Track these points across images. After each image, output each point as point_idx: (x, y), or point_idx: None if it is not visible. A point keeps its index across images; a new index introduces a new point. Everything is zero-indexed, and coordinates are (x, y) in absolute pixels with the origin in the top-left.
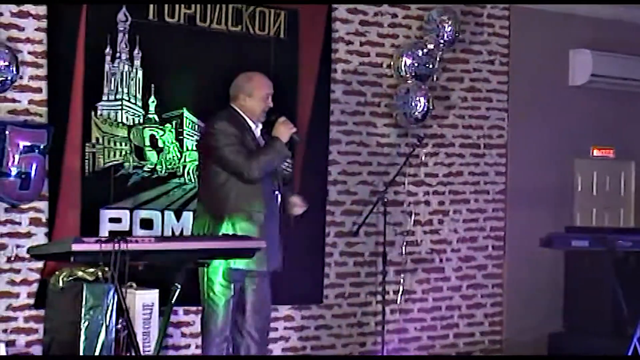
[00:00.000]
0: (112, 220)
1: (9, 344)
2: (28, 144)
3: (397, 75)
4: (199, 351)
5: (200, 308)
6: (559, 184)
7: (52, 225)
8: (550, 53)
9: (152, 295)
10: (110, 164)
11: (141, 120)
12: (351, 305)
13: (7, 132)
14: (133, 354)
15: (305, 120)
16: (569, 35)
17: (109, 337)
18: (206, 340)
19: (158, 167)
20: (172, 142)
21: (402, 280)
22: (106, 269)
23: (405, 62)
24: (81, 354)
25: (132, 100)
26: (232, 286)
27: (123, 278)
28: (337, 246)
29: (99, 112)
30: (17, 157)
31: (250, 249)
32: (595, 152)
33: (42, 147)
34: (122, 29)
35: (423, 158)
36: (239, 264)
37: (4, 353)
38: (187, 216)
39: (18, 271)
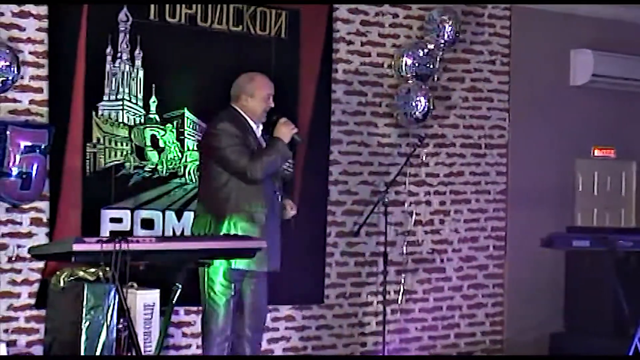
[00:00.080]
0: (113, 220)
1: (10, 344)
2: (29, 144)
3: (398, 75)
4: (200, 351)
5: (201, 308)
6: (560, 184)
7: (53, 225)
8: (551, 53)
9: (153, 295)
10: (111, 164)
11: (142, 120)
12: (352, 305)
13: (8, 132)
14: (134, 354)
15: (306, 120)
16: (570, 35)
17: (110, 337)
18: (207, 340)
19: (159, 167)
20: (173, 142)
21: (403, 280)
22: (107, 269)
23: (406, 62)
24: (82, 354)
25: (133, 100)
26: (232, 286)
27: (124, 278)
28: (338, 246)
29: (100, 112)
30: (18, 157)
31: (251, 249)
32: (596, 152)
33: (43, 147)
34: (123, 29)
35: (424, 158)
36: (240, 264)
37: (5, 353)
38: (188, 216)
39: (19, 271)
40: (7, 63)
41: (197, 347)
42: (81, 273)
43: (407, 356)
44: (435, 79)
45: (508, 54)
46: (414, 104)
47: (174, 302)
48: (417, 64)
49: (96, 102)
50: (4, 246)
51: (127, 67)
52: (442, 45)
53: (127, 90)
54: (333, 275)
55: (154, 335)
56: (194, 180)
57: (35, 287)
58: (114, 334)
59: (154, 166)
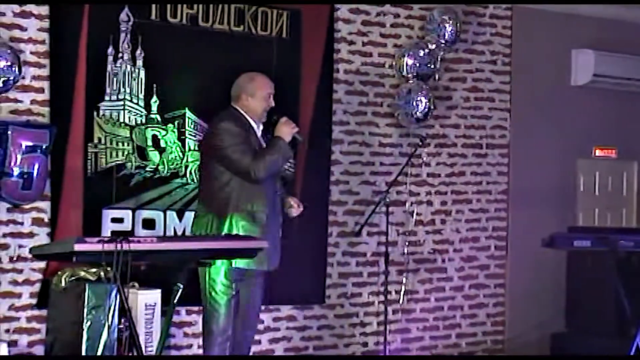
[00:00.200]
0: (114, 220)
1: (12, 344)
2: (30, 144)
3: (399, 75)
4: (201, 351)
5: (202, 308)
6: (562, 184)
7: (54, 225)
8: (552, 53)
9: (154, 295)
10: (113, 164)
11: (143, 120)
12: (353, 305)
13: (9, 132)
14: (135, 354)
15: (307, 120)
16: (572, 35)
17: (111, 337)
18: (208, 340)
19: (160, 167)
20: (174, 142)
21: (404, 280)
22: (108, 269)
23: (407, 62)
24: (83, 354)
25: (135, 101)
26: (233, 285)
27: (125, 278)
28: (339, 246)
29: (101, 112)
30: (19, 157)
31: (252, 249)
32: (598, 152)
33: (44, 147)
34: (124, 29)
35: (425, 158)
36: (241, 263)
37: (6, 353)
38: (189, 216)
39: (20, 271)
40: (9, 63)
41: (199, 347)
42: (82, 273)
43: (408, 356)
44: (437, 79)
45: (509, 54)
46: (414, 104)
47: (175, 302)
48: (418, 64)
49: (97, 102)
50: (6, 246)
51: (129, 67)
52: (442, 45)
53: (128, 90)
54: (334, 275)
55: (155, 335)
56: (195, 180)
57: (36, 287)
58: (115, 334)
59: (155, 166)
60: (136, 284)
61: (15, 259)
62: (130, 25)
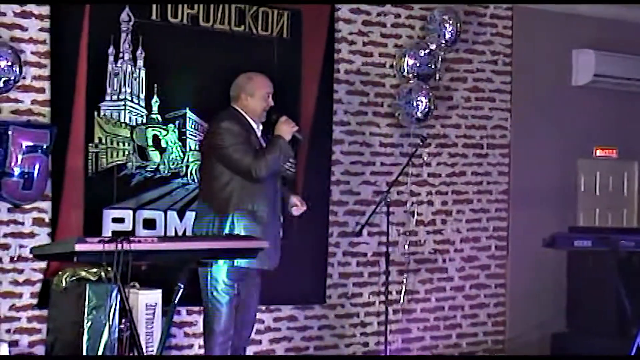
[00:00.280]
0: (115, 220)
1: (12, 344)
2: (31, 144)
3: (399, 75)
4: (202, 351)
5: (202, 308)
6: (562, 184)
7: (55, 225)
8: (553, 53)
9: (155, 295)
10: (113, 164)
11: (144, 120)
12: (354, 305)
13: (10, 132)
14: (136, 354)
15: (308, 120)
16: (572, 35)
17: (112, 337)
18: (210, 339)
19: (161, 167)
20: (175, 142)
21: (405, 281)
22: (109, 269)
23: (407, 62)
24: (84, 354)
25: (135, 101)
26: (235, 285)
27: (126, 278)
28: (340, 246)
29: (101, 112)
30: (20, 157)
31: (253, 249)
32: (598, 152)
33: (44, 147)
34: (125, 29)
35: (426, 158)
36: (243, 261)
37: (7, 353)
38: (190, 216)
39: (21, 271)
40: (9, 63)
41: (199, 347)
42: (83, 273)
43: (409, 356)
44: (437, 79)
45: (510, 54)
46: (415, 104)
47: (176, 302)
48: (418, 64)
49: (98, 102)
50: (6, 246)
51: (129, 67)
52: (443, 45)
53: (129, 90)
54: (335, 275)
55: (156, 336)
56: (195, 180)
57: (37, 287)
58: (116, 334)
59: (155, 166)
60: (137, 284)
61: (16, 259)
62: (131, 25)
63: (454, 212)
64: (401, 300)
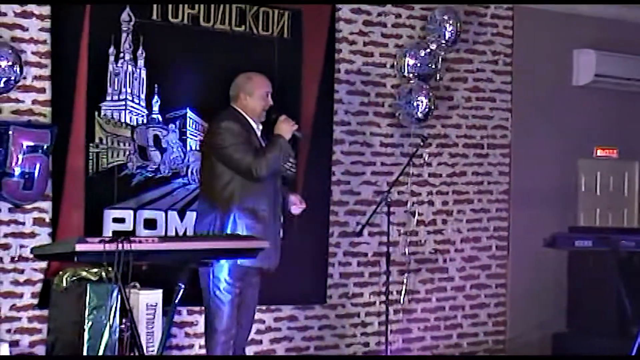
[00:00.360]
0: (115, 220)
1: (13, 344)
2: (31, 144)
3: (400, 75)
4: (202, 351)
5: (204, 308)
6: (563, 184)
7: (55, 225)
8: (553, 53)
9: (155, 295)
10: (114, 164)
11: (145, 120)
12: (355, 305)
13: (10, 132)
14: (137, 354)
15: (308, 120)
16: (573, 35)
17: (112, 337)
18: (212, 339)
19: (161, 167)
20: (175, 142)
21: (405, 280)
22: (110, 269)
23: (408, 62)
24: (85, 354)
25: (136, 101)
26: (237, 284)
27: (127, 278)
28: (340, 246)
29: (102, 112)
30: (20, 157)
31: (254, 249)
32: (599, 152)
33: (45, 147)
34: (125, 29)
35: (427, 158)
36: (245, 260)
37: (7, 353)
38: (191, 216)
39: (22, 271)
40: (10, 63)
41: (200, 347)
42: (84, 273)
43: (409, 356)
44: (438, 79)
45: (510, 54)
46: (415, 104)
47: (176, 302)
48: (419, 64)
49: (99, 102)
50: (7, 246)
51: (130, 67)
52: (443, 45)
53: (129, 90)
54: (335, 275)
55: (157, 336)
56: (196, 180)
57: (37, 287)
58: (117, 334)
59: (156, 166)
60: (137, 284)
61: (16, 259)
62: (131, 25)
63: (455, 212)
64: (402, 300)
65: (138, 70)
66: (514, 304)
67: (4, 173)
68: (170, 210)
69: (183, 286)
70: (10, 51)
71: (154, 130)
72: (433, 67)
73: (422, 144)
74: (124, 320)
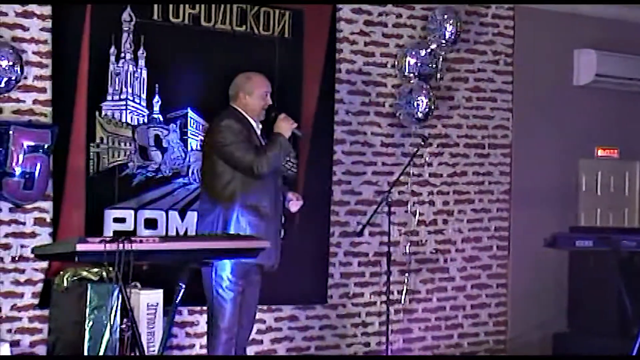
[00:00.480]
0: (116, 220)
1: (14, 343)
2: (32, 144)
3: (401, 75)
4: (203, 351)
5: (204, 308)
6: (564, 184)
7: (56, 225)
8: (554, 53)
9: (156, 295)
10: (115, 163)
11: (145, 120)
12: (355, 305)
13: (11, 132)
14: (137, 354)
15: (309, 120)
16: (574, 35)
17: (113, 337)
18: (214, 337)
19: (162, 167)
20: (176, 142)
21: (406, 280)
22: (110, 268)
23: (409, 62)
24: (85, 354)
25: (137, 100)
26: (239, 282)
27: (127, 278)
28: (341, 246)
29: (103, 112)
30: (21, 157)
31: (254, 249)
32: (600, 152)
33: (46, 147)
34: (126, 29)
35: (427, 158)
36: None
37: (8, 353)
38: (192, 216)
39: (22, 271)
40: (11, 63)
41: (201, 347)
42: (84, 273)
43: (410, 356)
44: (439, 78)
45: (511, 54)
46: (416, 103)
47: (177, 302)
48: (420, 64)
49: (100, 102)
50: (8, 246)
51: (131, 67)
52: (444, 45)
53: (130, 90)
54: (336, 275)
55: (157, 335)
56: (197, 180)
57: (38, 287)
58: (117, 334)
59: (157, 166)
60: (138, 284)
61: (17, 258)
62: (132, 25)
63: (456, 212)
64: (402, 300)
65: (139, 70)
66: (515, 304)
67: (4, 173)
68: (171, 210)
69: (184, 286)
70: (11, 51)
71: (154, 130)
72: (434, 67)
73: (422, 143)
74: (124, 320)
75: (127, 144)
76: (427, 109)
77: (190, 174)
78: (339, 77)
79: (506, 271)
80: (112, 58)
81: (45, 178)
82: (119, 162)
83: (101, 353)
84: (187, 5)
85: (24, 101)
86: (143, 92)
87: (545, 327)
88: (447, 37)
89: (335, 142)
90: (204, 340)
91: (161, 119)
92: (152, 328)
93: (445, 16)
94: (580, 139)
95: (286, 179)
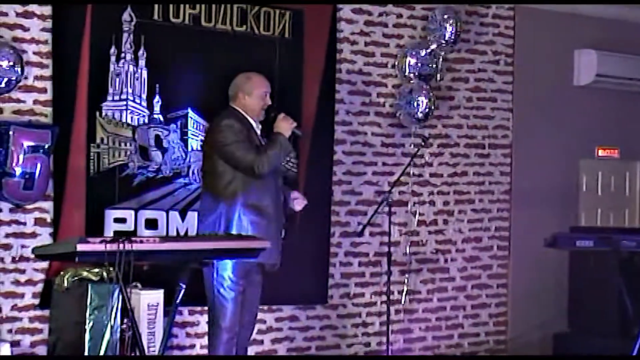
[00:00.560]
0: (117, 220)
1: (14, 344)
2: (32, 144)
3: (401, 75)
4: (204, 351)
5: (205, 308)
6: (564, 184)
7: (57, 225)
8: (555, 53)
9: (157, 296)
10: (115, 164)
11: (146, 120)
12: (356, 306)
13: (11, 133)
14: (138, 354)
15: (309, 120)
16: (574, 35)
17: (113, 337)
18: (215, 337)
19: (163, 167)
20: (176, 142)
21: (406, 281)
22: (111, 269)
23: (409, 62)
24: (86, 354)
25: (137, 101)
26: (241, 281)
27: (128, 278)
28: (341, 246)
29: (103, 112)
30: (21, 157)
31: (255, 249)
32: (600, 153)
33: (46, 147)
34: (127, 29)
35: (428, 158)
36: None
37: (9, 353)
38: (192, 216)
39: (23, 271)
40: (11, 63)
41: (201, 347)
42: (85, 273)
43: (411, 356)
44: (439, 79)
45: (512, 54)
46: (416, 104)
47: (177, 302)
48: (420, 64)
49: (100, 102)
50: (8, 246)
51: (131, 67)
52: (444, 45)
53: (130, 91)
54: (337, 276)
55: (158, 336)
56: (197, 180)
57: (39, 287)
58: (118, 334)
59: (157, 166)
60: (139, 284)
61: (17, 259)
62: (132, 25)
63: (456, 212)
64: (403, 301)
65: (139, 70)
66: (515, 304)
67: (4, 173)
68: (171, 211)
69: (184, 286)
70: (11, 51)
71: (155, 130)
72: (434, 67)
73: (423, 144)
74: (125, 321)
75: (128, 144)
76: (427, 109)
77: (190, 174)
78: (339, 77)
79: (506, 271)
80: (113, 58)
81: (45, 178)
82: (120, 163)
83: (102, 353)
84: (187, 6)
85: (24, 101)
86: (143, 93)
87: (545, 327)
88: (447, 37)
89: (336, 142)
90: (204, 341)
91: (161, 119)
92: (153, 328)
93: (446, 16)
94: (581, 139)
95: (287, 179)
